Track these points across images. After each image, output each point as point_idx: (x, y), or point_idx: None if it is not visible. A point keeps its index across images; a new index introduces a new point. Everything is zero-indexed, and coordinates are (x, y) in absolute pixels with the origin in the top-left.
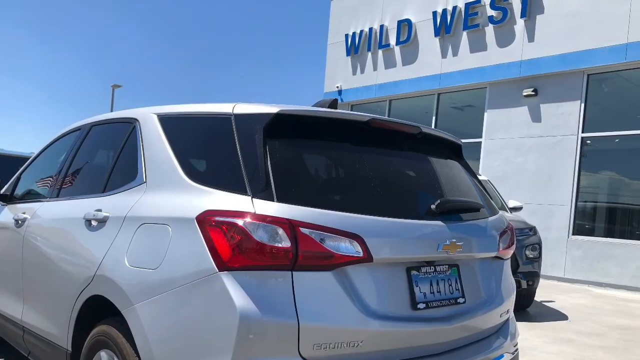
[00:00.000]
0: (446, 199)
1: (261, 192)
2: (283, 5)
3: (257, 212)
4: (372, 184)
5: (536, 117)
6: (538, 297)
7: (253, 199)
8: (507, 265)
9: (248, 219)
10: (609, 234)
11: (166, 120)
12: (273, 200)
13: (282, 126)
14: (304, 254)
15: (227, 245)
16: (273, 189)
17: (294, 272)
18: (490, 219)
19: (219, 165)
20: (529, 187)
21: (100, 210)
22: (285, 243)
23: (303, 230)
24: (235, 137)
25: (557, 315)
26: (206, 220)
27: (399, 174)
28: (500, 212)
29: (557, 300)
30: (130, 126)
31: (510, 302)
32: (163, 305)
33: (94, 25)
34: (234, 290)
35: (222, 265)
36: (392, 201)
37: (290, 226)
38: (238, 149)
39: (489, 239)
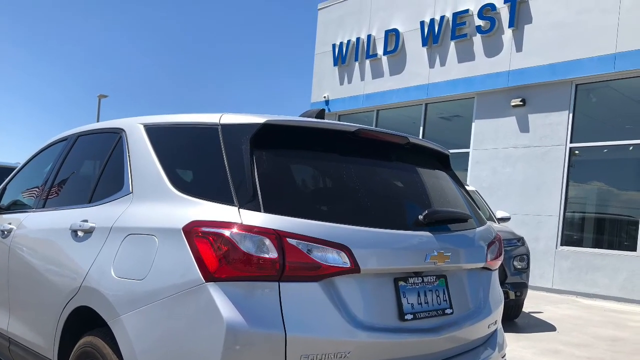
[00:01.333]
0: (434, 209)
1: (248, 202)
2: (270, 16)
3: (243, 223)
4: (360, 194)
5: (524, 127)
6: (526, 308)
7: (240, 209)
8: (495, 276)
9: (235, 230)
10: (597, 244)
11: (153, 131)
12: (260, 211)
13: (269, 136)
14: (290, 264)
15: (214, 256)
16: (260, 200)
17: (281, 283)
18: (478, 229)
19: (206, 175)
20: (517, 197)
21: (86, 221)
22: (272, 254)
23: (290, 240)
24: (222, 148)
25: (545, 326)
26: (193, 230)
27: (386, 184)
28: (488, 222)
29: (545, 311)
30: (116, 136)
31: (498, 313)
32: (149, 316)
33: (81, 35)
34: (221, 301)
35: (209, 276)
36: (380, 211)
37: (277, 237)
38: (225, 159)
39: (476, 250)
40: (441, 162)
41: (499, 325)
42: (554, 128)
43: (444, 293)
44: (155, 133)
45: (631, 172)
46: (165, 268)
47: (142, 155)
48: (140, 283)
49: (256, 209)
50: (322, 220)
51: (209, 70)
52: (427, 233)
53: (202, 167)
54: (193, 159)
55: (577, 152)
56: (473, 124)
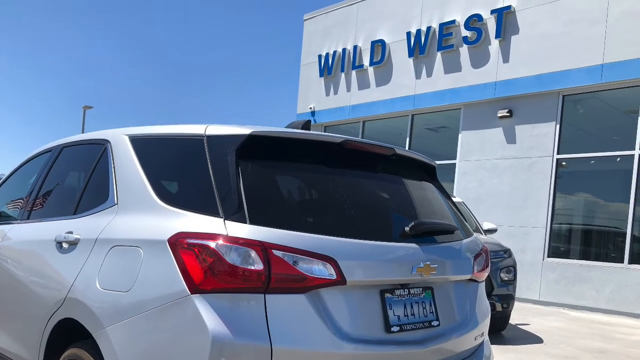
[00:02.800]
0: (420, 221)
1: (234, 214)
2: (256, 27)
3: (229, 235)
4: (346, 206)
5: (511, 138)
6: (513, 320)
7: (225, 221)
8: (482, 287)
9: (220, 241)
10: (585, 256)
11: (138, 142)
12: (245, 222)
13: (255, 147)
14: (276, 276)
15: (199, 268)
16: (245, 211)
17: (266, 295)
18: (465, 241)
19: (191, 186)
20: (504, 209)
21: (71, 233)
22: (258, 265)
23: (276, 252)
24: (208, 159)
25: (532, 338)
26: (178, 242)
27: (373, 195)
28: (475, 234)
29: (532, 323)
30: (101, 147)
31: (485, 325)
32: (135, 328)
33: (66, 46)
34: (206, 313)
35: (194, 288)
36: (366, 223)
37: (263, 248)
38: (210, 171)
39: (463, 262)
40: (428, 173)
41: (486, 337)
42: (540, 139)
43: (431, 305)
44: (141, 144)
45: (618, 184)
46: (151, 280)
47: (127, 167)
48: (125, 295)
49: (242, 220)
50: (308, 232)
51: (194, 81)
52: (414, 245)
53: (187, 178)
54: (178, 170)
55: (564, 163)
56: (460, 135)
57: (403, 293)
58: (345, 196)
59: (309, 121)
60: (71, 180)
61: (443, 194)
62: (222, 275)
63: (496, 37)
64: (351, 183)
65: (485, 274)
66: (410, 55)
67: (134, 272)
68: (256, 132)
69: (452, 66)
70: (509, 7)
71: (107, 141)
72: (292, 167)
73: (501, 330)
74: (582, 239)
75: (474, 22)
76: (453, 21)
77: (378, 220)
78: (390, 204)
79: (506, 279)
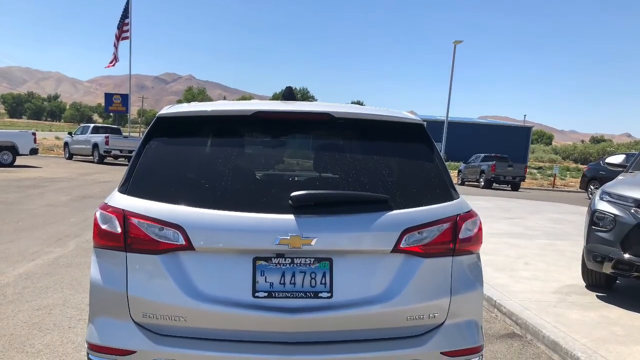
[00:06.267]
0: (304, 193)
1: (122, 187)
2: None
3: (108, 204)
4: (225, 179)
5: None
6: None
7: (116, 192)
8: (437, 262)
9: (100, 210)
10: None
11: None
12: (125, 194)
13: (166, 128)
14: (133, 239)
15: (95, 230)
16: (129, 185)
17: (127, 254)
18: (394, 212)
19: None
20: None
21: None
22: (118, 229)
23: (133, 220)
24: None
25: None
26: (99, 211)
27: (272, 167)
28: (454, 201)
29: None
30: None
31: (430, 306)
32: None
33: None
34: (93, 263)
35: (94, 244)
36: (237, 195)
37: (124, 216)
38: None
39: (377, 235)
40: (385, 132)
41: (459, 321)
42: None
43: (324, 276)
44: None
45: None
46: None
47: None
48: None
49: (124, 192)
50: (170, 203)
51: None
52: (287, 216)
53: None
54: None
55: None
56: None
57: (283, 262)
58: (232, 169)
59: (291, 87)
60: None
61: (403, 156)
62: (99, 236)
63: None
64: (256, 155)
65: (439, 248)
66: None
67: None
68: (163, 115)
69: None
70: None
71: None
72: (192, 143)
73: None
74: None
75: None
76: None
77: (258, 192)
78: (290, 176)
79: None
